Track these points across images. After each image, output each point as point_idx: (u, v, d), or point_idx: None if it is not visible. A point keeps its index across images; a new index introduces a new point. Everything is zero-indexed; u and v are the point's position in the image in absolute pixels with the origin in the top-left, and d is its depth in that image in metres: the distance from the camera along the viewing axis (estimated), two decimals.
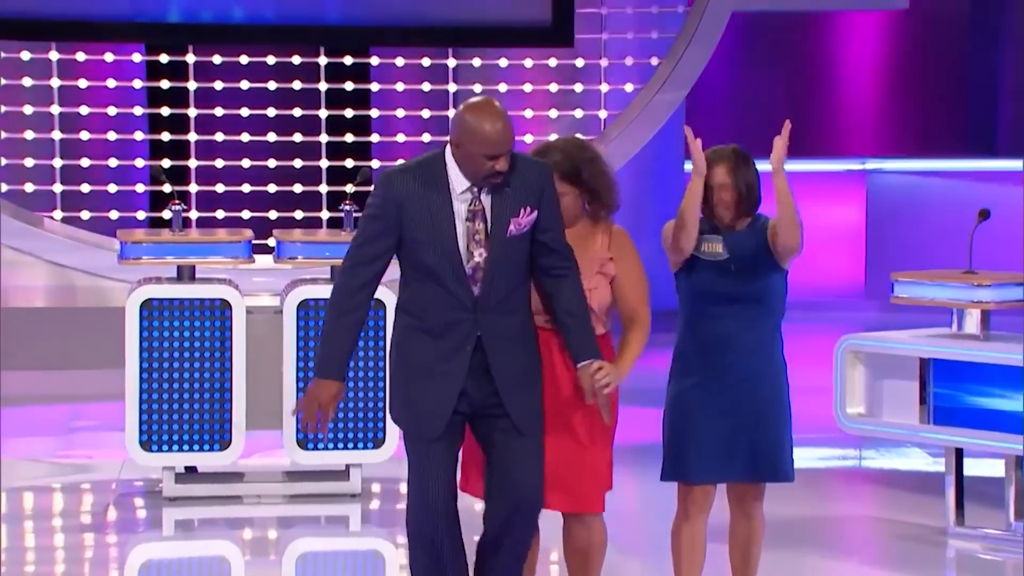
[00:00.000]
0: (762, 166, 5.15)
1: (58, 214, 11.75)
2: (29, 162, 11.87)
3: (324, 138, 12.14)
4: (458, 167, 4.66)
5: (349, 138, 12.11)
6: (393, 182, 4.66)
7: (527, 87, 12.48)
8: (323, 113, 12.16)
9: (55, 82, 11.86)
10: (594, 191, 4.90)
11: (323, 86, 12.17)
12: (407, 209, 4.63)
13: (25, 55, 11.91)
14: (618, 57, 12.50)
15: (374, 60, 12.30)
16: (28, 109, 11.88)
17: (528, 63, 12.44)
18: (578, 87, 12.52)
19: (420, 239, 4.63)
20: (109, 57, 12.02)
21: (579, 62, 12.44)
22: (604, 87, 12.48)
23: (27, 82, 11.89)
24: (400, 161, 12.49)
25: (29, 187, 11.82)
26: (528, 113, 12.55)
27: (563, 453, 4.82)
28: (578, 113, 12.55)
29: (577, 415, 4.84)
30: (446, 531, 4.72)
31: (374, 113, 12.34)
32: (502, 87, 12.47)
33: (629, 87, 12.43)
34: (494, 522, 4.75)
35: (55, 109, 11.91)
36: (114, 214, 11.73)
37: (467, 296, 4.64)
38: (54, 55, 11.92)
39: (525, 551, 4.82)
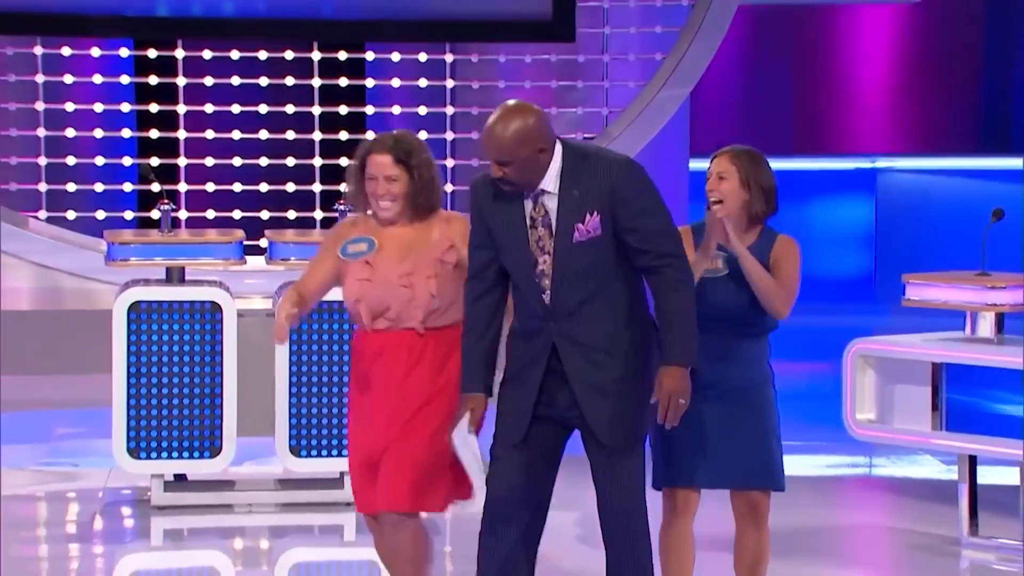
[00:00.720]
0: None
1: (43, 214, 11.73)
2: (13, 160, 11.86)
3: (318, 136, 12.13)
4: None
5: (344, 135, 12.09)
6: (476, 188, 4.76)
7: (526, 84, 12.47)
8: (316, 110, 12.14)
9: (40, 78, 11.85)
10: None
11: (317, 82, 12.15)
12: (487, 214, 4.71)
13: (9, 50, 11.90)
14: (621, 52, 12.48)
15: (369, 55, 12.29)
16: (12, 106, 11.88)
17: (528, 59, 12.43)
18: (579, 83, 12.51)
19: (499, 244, 4.70)
20: (95, 52, 12.00)
21: (580, 57, 12.43)
22: (606, 83, 12.47)
23: (11, 78, 11.89)
24: None
25: (13, 186, 11.81)
26: None
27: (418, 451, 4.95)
28: (579, 110, 12.54)
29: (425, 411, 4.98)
30: (500, 538, 4.71)
31: (369, 110, 12.32)
32: (501, 83, 12.45)
33: (632, 83, 12.42)
34: (605, 547, 4.78)
35: (40, 106, 11.89)
36: (101, 214, 11.71)
37: (539, 303, 4.66)
38: (39, 50, 11.90)
39: None
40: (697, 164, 11.90)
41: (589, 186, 4.59)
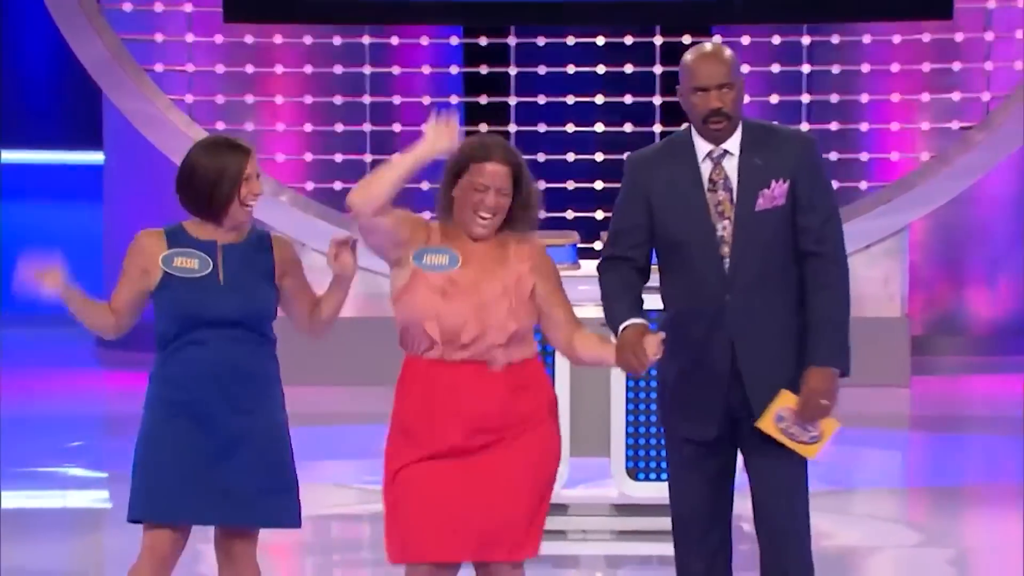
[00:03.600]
0: None
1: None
2: (338, 157, 12.17)
3: (658, 128, 12.10)
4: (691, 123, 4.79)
5: (686, 126, 12.03)
6: (634, 161, 4.84)
7: (893, 67, 12.21)
8: (657, 100, 12.12)
9: (367, 69, 12.14)
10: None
11: (658, 69, 12.13)
12: (654, 183, 4.74)
13: (336, 40, 12.23)
14: (1007, 30, 12.11)
15: (717, 39, 12.21)
16: (338, 99, 12.20)
17: (896, 39, 12.16)
18: (956, 66, 12.19)
19: (668, 213, 4.73)
20: (424, 41, 12.24)
21: (958, 36, 12.11)
22: (988, 65, 12.12)
23: (338, 69, 12.21)
24: None
25: (338, 185, 12.12)
26: (895, 97, 12.27)
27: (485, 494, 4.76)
28: (955, 96, 12.22)
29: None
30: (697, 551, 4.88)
31: None
32: (864, 67, 12.22)
33: (1019, 65, 12.03)
34: (761, 549, 4.81)
35: (366, 99, 12.20)
36: (427, 215, 11.94)
37: (716, 274, 4.69)
38: (366, 39, 12.21)
39: None
40: None
41: (774, 156, 4.72)
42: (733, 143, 4.76)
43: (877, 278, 11.95)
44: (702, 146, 4.76)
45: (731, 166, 4.74)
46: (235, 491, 4.84)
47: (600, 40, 12.17)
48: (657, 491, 7.23)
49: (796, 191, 4.70)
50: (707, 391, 4.73)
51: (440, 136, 4.75)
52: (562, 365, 7.23)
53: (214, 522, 4.90)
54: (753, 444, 4.75)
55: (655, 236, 4.76)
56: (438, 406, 4.77)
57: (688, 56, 4.79)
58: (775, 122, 4.95)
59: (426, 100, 12.12)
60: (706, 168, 4.75)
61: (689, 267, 4.72)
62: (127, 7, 12.25)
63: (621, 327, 4.69)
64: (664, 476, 7.22)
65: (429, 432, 4.77)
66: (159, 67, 12.19)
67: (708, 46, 4.82)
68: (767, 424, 4.69)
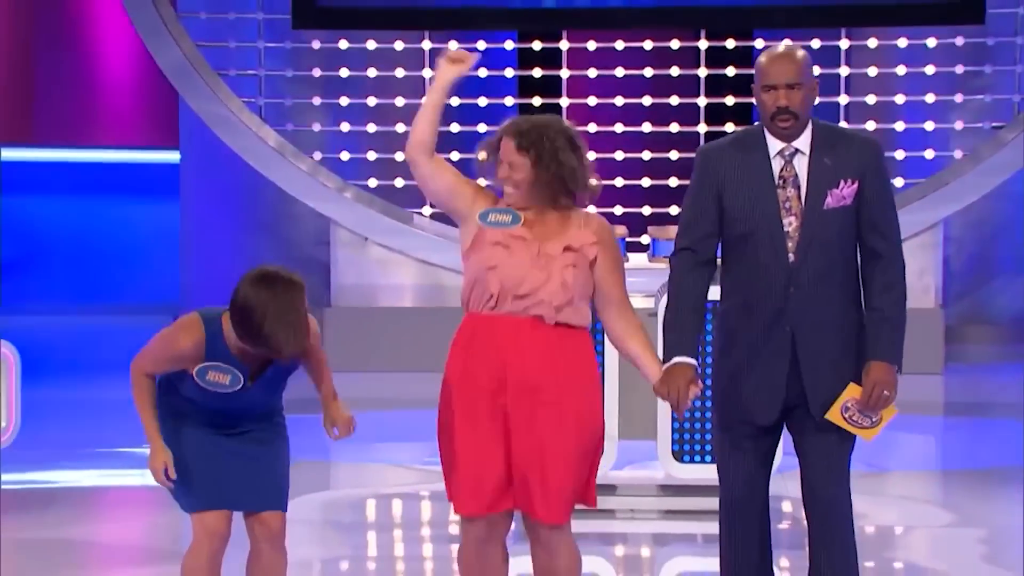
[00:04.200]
0: None
1: (427, 210, 12.04)
2: (399, 156, 12.20)
3: (703, 128, 12.09)
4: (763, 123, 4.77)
5: (729, 127, 12.02)
6: (707, 153, 4.81)
7: (928, 69, 12.15)
8: (702, 101, 12.11)
9: (427, 72, 12.16)
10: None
11: (703, 72, 12.12)
12: (724, 176, 4.74)
13: (399, 45, 12.27)
14: None
15: (758, 43, 12.18)
16: (400, 101, 12.23)
17: (931, 42, 12.10)
18: (988, 68, 12.12)
19: (738, 206, 4.71)
20: (481, 45, 12.25)
21: (990, 40, 12.04)
22: (1019, 68, 12.04)
23: (399, 73, 12.24)
24: None
25: (399, 182, 12.16)
26: (930, 98, 12.21)
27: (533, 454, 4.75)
28: (986, 97, 12.15)
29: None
30: (745, 529, 4.93)
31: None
32: (900, 69, 12.17)
33: None
34: (809, 524, 4.85)
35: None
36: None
37: (783, 268, 4.68)
38: (427, 44, 12.23)
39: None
40: None
41: (843, 157, 4.71)
42: (803, 142, 4.75)
43: (912, 271, 11.83)
44: (773, 143, 4.75)
45: (800, 164, 4.73)
46: (250, 479, 4.92)
47: (648, 44, 12.15)
48: (701, 473, 7.25)
49: (863, 192, 4.70)
50: (767, 380, 4.74)
51: (454, 60, 4.93)
52: (612, 351, 7.24)
53: (240, 507, 4.96)
54: (807, 427, 4.78)
55: (723, 227, 4.75)
56: (481, 353, 4.79)
57: (762, 57, 4.80)
58: (843, 127, 4.95)
59: (482, 101, 12.14)
60: (777, 164, 4.74)
61: (754, 260, 4.71)
62: (202, 15, 12.32)
63: (673, 361, 4.74)
64: (708, 459, 7.25)
65: (473, 381, 4.79)
66: (232, 71, 12.25)
67: (781, 47, 4.82)
68: (835, 415, 4.75)
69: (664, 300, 4.93)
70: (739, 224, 4.71)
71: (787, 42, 4.84)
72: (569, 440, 4.77)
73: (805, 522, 4.91)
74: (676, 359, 4.74)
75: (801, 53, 4.79)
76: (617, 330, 4.87)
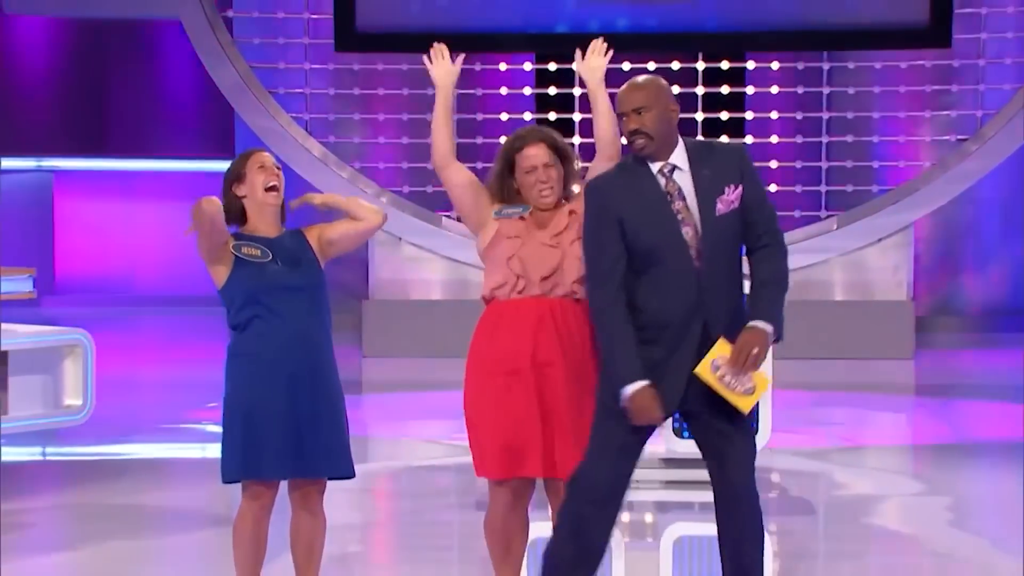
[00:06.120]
0: None
1: (455, 214, 12.01)
2: (430, 165, 12.20)
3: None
4: None
5: (724, 139, 11.99)
6: (596, 185, 4.62)
7: (901, 88, 12.10)
8: (699, 116, 12.07)
9: (453, 91, 12.14)
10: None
11: (700, 90, 12.08)
12: (618, 202, 4.54)
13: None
14: (997, 56, 11.98)
15: (750, 64, 12.14)
16: (430, 116, 12.20)
17: (903, 64, 12.05)
18: (954, 87, 12.06)
19: (639, 227, 4.51)
20: (503, 67, 12.24)
21: (956, 62, 11.98)
22: (981, 87, 11.98)
23: (430, 91, 12.21)
24: (772, 163, 12.28)
25: (430, 188, 12.14)
26: (901, 114, 12.17)
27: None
28: (952, 113, 12.09)
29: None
30: (600, 515, 4.65)
31: (748, 116, 12.18)
32: (876, 89, 12.12)
33: (1008, 86, 11.90)
34: (718, 517, 4.69)
35: (454, 116, 12.20)
36: None
37: (690, 278, 4.52)
38: None
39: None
40: None
41: (720, 166, 4.57)
42: (679, 158, 4.59)
43: (887, 267, 11.85)
44: (652, 163, 4.58)
45: (682, 179, 4.56)
46: (310, 448, 4.82)
47: (651, 65, 12.12)
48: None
49: (745, 192, 4.56)
50: (680, 372, 4.52)
51: (441, 69, 4.99)
52: None
53: (298, 475, 4.87)
54: (713, 411, 4.58)
55: (628, 247, 4.54)
56: (508, 333, 4.79)
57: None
58: (710, 139, 4.78)
59: (504, 116, 12.11)
60: (661, 181, 4.57)
61: (663, 270, 4.53)
62: (256, 40, 12.31)
63: (630, 391, 4.49)
64: None
65: (501, 359, 4.78)
66: (281, 90, 12.24)
67: (639, 79, 4.68)
68: (705, 371, 4.47)
69: (602, 339, 4.62)
70: (643, 240, 4.52)
71: (645, 76, 4.68)
72: (589, 405, 4.71)
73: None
74: (634, 387, 4.50)
75: (651, 82, 4.64)
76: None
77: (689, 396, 4.55)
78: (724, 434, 4.59)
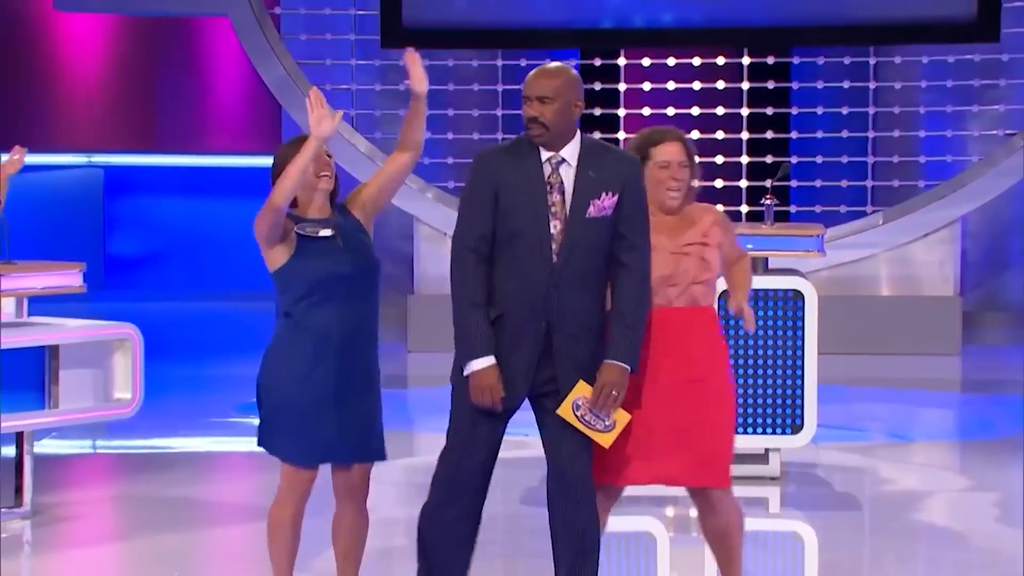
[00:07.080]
0: None
1: None
2: (450, 159, 12.27)
3: (745, 135, 12.01)
4: None
5: (769, 135, 11.95)
6: (485, 156, 4.60)
7: (948, 83, 12.01)
8: (745, 111, 12.03)
9: (499, 87, 12.15)
10: None
11: (746, 85, 12.04)
12: (501, 175, 4.53)
13: (474, 62, 12.25)
14: None
15: (795, 59, 12.08)
16: (475, 112, 12.22)
17: (950, 59, 11.96)
18: (1002, 82, 11.97)
19: (511, 205, 4.51)
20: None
21: (1004, 56, 11.89)
22: None
23: (475, 87, 12.23)
24: (818, 158, 12.18)
25: (450, 184, 12.17)
26: (949, 108, 12.09)
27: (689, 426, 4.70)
28: (1001, 107, 12.00)
29: (704, 389, 4.72)
30: (460, 510, 4.73)
31: (794, 110, 12.12)
32: (923, 83, 12.04)
33: None
34: (551, 513, 4.68)
35: (499, 112, 12.21)
36: None
37: (546, 267, 4.51)
38: (499, 62, 12.20)
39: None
40: None
41: (607, 172, 4.54)
42: (570, 153, 4.56)
43: (933, 262, 11.78)
44: (543, 151, 4.56)
45: (567, 174, 4.55)
46: (357, 433, 4.81)
47: (696, 61, 12.09)
48: (741, 443, 7.17)
49: (622, 204, 4.54)
50: (520, 367, 4.54)
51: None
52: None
53: (347, 460, 4.86)
54: (553, 418, 4.60)
55: (495, 226, 4.54)
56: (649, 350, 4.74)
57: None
58: (609, 143, 4.71)
59: None
60: (546, 170, 4.55)
61: (521, 259, 4.52)
62: (302, 37, 12.35)
63: (475, 366, 4.52)
64: (750, 431, 7.19)
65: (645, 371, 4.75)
66: (328, 86, 12.27)
67: (550, 64, 4.63)
68: (566, 411, 4.55)
69: (455, 308, 4.66)
70: (511, 223, 4.51)
71: (557, 65, 4.61)
72: (704, 414, 4.78)
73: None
74: (480, 362, 4.54)
75: (561, 72, 4.58)
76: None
77: (536, 384, 4.57)
78: (561, 426, 4.59)
